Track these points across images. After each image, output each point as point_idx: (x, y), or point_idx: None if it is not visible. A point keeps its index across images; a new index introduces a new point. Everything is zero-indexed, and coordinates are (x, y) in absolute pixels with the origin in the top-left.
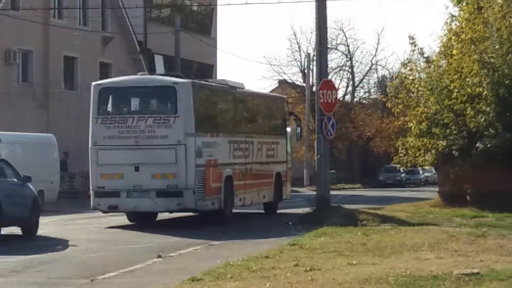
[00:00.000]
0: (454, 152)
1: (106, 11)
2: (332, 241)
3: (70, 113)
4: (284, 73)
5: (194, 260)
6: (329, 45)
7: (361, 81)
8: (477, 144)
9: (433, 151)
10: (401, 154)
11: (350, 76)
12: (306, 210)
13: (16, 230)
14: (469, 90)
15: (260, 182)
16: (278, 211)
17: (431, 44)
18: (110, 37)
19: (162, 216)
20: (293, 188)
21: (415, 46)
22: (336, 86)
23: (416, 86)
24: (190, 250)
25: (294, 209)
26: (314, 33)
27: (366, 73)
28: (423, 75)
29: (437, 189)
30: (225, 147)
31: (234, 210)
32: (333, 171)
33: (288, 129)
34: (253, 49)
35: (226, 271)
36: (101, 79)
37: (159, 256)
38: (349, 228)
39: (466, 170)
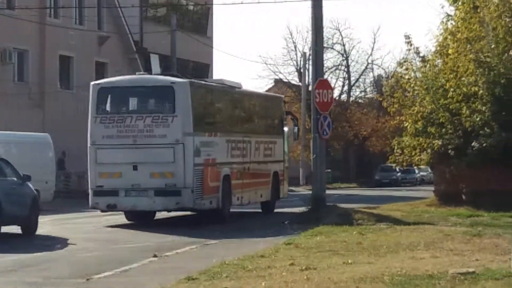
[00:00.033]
0: (449, 151)
1: (102, 10)
2: (328, 240)
3: (66, 113)
4: (280, 72)
5: (190, 260)
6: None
7: (357, 80)
8: (473, 144)
9: (428, 151)
10: (396, 154)
11: (346, 76)
12: (302, 209)
13: (15, 229)
14: (464, 89)
15: (257, 181)
16: (275, 210)
17: (427, 43)
18: (106, 37)
19: (160, 215)
20: (289, 188)
21: (411, 45)
22: (332, 85)
23: (412, 85)
24: (186, 249)
25: (291, 208)
26: (310, 32)
27: (362, 72)
28: (418, 75)
29: (432, 188)
30: (223, 146)
31: (231, 209)
32: (329, 170)
33: (285, 129)
34: (249, 48)
35: (222, 270)
36: (97, 78)
37: (155, 256)
38: (344, 227)
39: (462, 169)
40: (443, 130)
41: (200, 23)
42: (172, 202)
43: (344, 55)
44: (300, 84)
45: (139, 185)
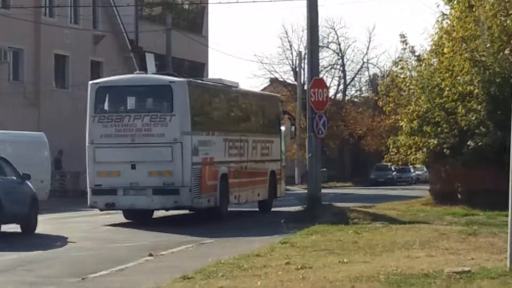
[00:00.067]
0: (445, 150)
1: (97, 9)
2: (323, 239)
3: (61, 112)
4: (276, 71)
5: (185, 259)
6: (320, 44)
7: (352, 79)
8: (468, 143)
9: (424, 150)
10: (392, 153)
11: (342, 75)
12: (298, 208)
13: (14, 227)
14: (460, 88)
15: (254, 180)
16: (273, 209)
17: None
18: (101, 36)
19: (158, 214)
20: (285, 187)
21: (406, 44)
22: (328, 84)
23: (407, 84)
24: (182, 248)
25: (287, 207)
26: (306, 31)
27: (358, 71)
28: (414, 74)
29: (428, 187)
30: (220, 145)
31: (230, 208)
32: (324, 169)
33: (283, 128)
34: (244, 47)
35: (218, 269)
36: (92, 77)
37: (151, 255)
38: (340, 226)
39: (457, 168)
40: (439, 129)
41: (195, 22)
42: (170, 200)
43: (340, 54)
44: (295, 83)
45: (137, 184)
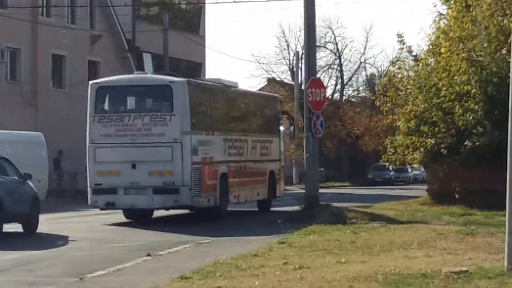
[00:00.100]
0: (442, 150)
1: (94, 9)
2: (321, 239)
3: (59, 112)
4: (273, 71)
5: (183, 259)
6: (317, 43)
7: (349, 79)
8: (466, 142)
9: (421, 149)
10: (389, 152)
11: (339, 74)
12: (296, 208)
13: (13, 227)
14: (457, 88)
15: (254, 180)
16: (272, 209)
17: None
18: (98, 35)
19: (158, 213)
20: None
21: (403, 44)
22: (325, 84)
23: (404, 84)
24: (180, 248)
25: (286, 207)
26: (303, 31)
27: (355, 71)
28: (411, 73)
29: (425, 187)
30: (220, 145)
31: (229, 208)
32: (322, 169)
33: (281, 128)
34: (241, 47)
35: (215, 269)
36: (89, 77)
37: (149, 255)
38: (338, 226)
39: (455, 168)
40: (436, 129)
41: (192, 22)
42: (170, 200)
43: (337, 54)
44: (292, 83)
45: (137, 183)
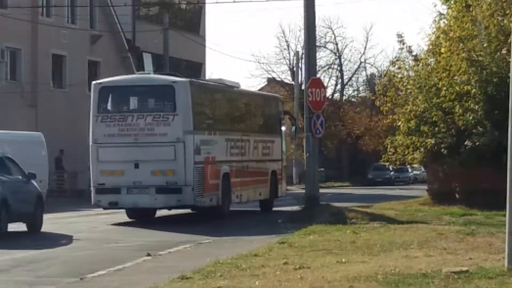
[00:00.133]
0: (442, 150)
1: (95, 9)
2: (321, 239)
3: (59, 111)
4: (273, 71)
5: (183, 258)
6: (317, 43)
7: (350, 79)
8: (466, 142)
9: (421, 149)
10: (390, 152)
11: (339, 74)
12: (296, 208)
13: (18, 227)
14: (457, 88)
15: (256, 180)
16: (273, 209)
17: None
18: (99, 35)
19: (160, 213)
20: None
21: (403, 44)
22: (325, 84)
23: (404, 84)
24: (180, 248)
25: (287, 207)
26: (303, 31)
27: (355, 71)
28: (411, 73)
29: (426, 187)
30: (222, 144)
31: (231, 208)
32: (322, 169)
33: (283, 128)
34: (241, 47)
35: (216, 269)
36: (89, 77)
37: (149, 255)
38: (338, 226)
39: (455, 168)
40: (436, 129)
41: (192, 21)
42: (173, 199)
43: (337, 54)
44: (293, 83)
45: (140, 183)
